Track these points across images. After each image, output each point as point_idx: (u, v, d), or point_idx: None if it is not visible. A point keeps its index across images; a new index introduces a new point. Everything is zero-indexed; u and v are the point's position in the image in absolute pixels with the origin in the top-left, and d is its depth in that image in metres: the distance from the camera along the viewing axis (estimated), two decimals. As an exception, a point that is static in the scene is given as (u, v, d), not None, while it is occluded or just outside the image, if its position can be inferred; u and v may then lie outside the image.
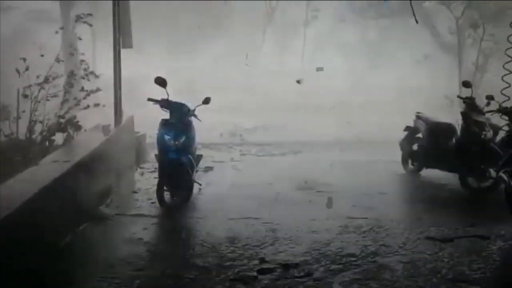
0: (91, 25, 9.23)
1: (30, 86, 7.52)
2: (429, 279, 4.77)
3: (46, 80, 7.70)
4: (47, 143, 7.46)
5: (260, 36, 24.45)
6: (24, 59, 7.61)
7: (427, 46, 21.30)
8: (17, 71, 7.53)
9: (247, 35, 27.13)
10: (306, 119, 16.41)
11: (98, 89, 8.22)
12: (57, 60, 8.26)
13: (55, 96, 7.93)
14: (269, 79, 25.91)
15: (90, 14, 8.80)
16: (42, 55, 8.20)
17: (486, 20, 12.48)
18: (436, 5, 17.65)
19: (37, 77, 7.68)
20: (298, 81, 16.48)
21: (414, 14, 8.38)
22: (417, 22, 8.63)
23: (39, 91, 7.65)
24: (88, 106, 8.10)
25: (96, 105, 8.14)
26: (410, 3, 8.53)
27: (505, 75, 7.94)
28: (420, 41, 21.14)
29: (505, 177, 6.07)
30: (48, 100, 7.74)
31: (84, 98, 8.22)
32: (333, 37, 27.05)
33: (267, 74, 26.47)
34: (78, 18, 8.74)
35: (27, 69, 7.57)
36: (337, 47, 26.92)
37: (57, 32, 9.20)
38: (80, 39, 9.97)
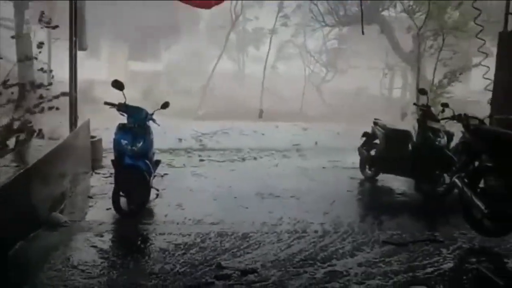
0: (54, 28, 8.86)
1: None
2: (384, 283, 4.83)
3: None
4: None
5: (224, 41, 24.45)
6: None
7: (387, 54, 21.80)
8: None
9: (211, 40, 27.16)
10: (266, 124, 16.49)
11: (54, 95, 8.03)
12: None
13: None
14: (230, 84, 25.98)
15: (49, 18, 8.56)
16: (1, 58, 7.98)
17: (446, 30, 12.89)
18: (398, 15, 18.08)
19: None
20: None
21: (362, 26, 8.74)
22: (363, 33, 8.96)
23: None
24: (42, 109, 7.88)
25: (50, 108, 7.94)
26: (361, 14, 8.81)
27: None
28: (379, 49, 21.61)
29: (459, 182, 6.21)
30: None
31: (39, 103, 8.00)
32: (295, 44, 27.47)
33: (228, 79, 26.54)
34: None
35: None
36: (299, 54, 27.34)
37: (12, 37, 8.95)
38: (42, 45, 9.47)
